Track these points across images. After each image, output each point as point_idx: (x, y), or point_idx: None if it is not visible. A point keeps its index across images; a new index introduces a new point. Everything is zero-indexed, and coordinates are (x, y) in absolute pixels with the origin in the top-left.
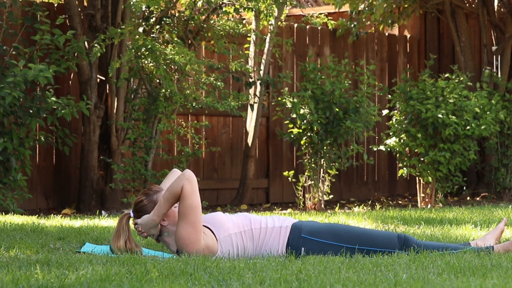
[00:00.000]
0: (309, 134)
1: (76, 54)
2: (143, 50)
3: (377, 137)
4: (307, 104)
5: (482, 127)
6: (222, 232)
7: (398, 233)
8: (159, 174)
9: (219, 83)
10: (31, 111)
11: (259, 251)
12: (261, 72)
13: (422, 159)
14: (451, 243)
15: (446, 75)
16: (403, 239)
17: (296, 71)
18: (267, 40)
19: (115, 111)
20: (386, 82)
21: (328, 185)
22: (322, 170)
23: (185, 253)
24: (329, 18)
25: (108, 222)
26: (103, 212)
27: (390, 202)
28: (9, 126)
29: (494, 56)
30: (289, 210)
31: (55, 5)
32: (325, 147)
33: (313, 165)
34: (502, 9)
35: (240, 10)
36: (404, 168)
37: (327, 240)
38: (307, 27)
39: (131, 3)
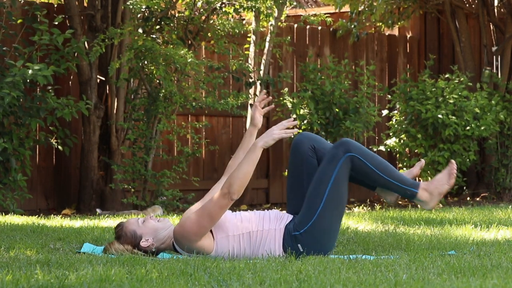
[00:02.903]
0: None
1: (76, 55)
2: (143, 50)
3: (377, 138)
4: (307, 105)
5: (482, 127)
6: (220, 233)
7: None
8: (159, 174)
9: (218, 80)
10: (31, 111)
11: (256, 253)
12: (261, 72)
13: (422, 159)
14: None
15: (446, 75)
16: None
17: (296, 72)
18: (267, 40)
19: (115, 112)
20: (386, 82)
21: None
22: None
23: (182, 250)
24: (327, 16)
25: (108, 222)
26: (98, 210)
27: None
28: (9, 127)
29: (494, 57)
30: None
31: (55, 5)
32: None
33: None
34: (502, 9)
35: (240, 11)
36: (404, 169)
37: (309, 224)
38: (307, 27)
39: (131, 3)
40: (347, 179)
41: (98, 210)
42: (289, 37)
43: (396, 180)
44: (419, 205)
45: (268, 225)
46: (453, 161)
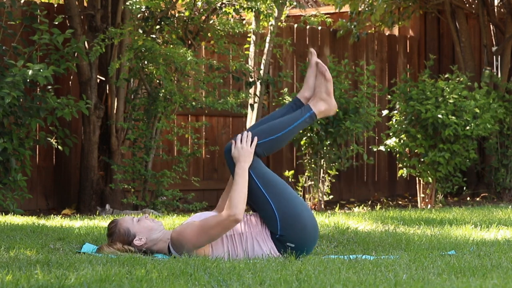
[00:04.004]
0: (309, 134)
1: (76, 55)
2: (143, 50)
3: (377, 138)
4: None
5: (480, 126)
6: None
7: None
8: (159, 174)
9: (218, 80)
10: (31, 111)
11: (252, 254)
12: (261, 72)
13: (422, 159)
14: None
15: (446, 75)
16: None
17: (296, 72)
18: (267, 40)
19: (115, 112)
20: (386, 82)
21: (328, 186)
22: (322, 170)
23: (178, 255)
24: (327, 17)
25: (107, 222)
26: (107, 206)
27: (390, 203)
28: (9, 127)
29: (494, 57)
30: None
31: (55, 5)
32: (325, 148)
33: (313, 165)
34: (502, 9)
35: (240, 11)
36: (404, 169)
37: (278, 223)
38: (307, 27)
39: (131, 3)
40: (261, 162)
41: (107, 206)
42: (289, 40)
43: (293, 121)
44: (327, 116)
45: (256, 228)
46: (311, 49)
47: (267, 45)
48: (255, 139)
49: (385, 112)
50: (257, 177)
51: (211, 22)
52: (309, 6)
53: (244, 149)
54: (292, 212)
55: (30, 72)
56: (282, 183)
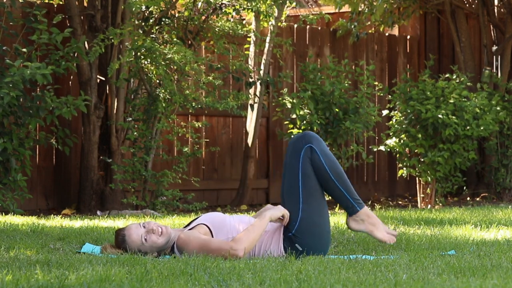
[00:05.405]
0: None
1: (76, 54)
2: (142, 50)
3: (377, 138)
4: (306, 105)
5: (482, 127)
6: (220, 235)
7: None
8: (159, 174)
9: (218, 81)
10: (30, 111)
11: (258, 254)
12: (261, 72)
13: (421, 159)
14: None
15: (446, 75)
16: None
17: (296, 72)
18: (267, 40)
19: (115, 112)
20: (386, 82)
21: None
22: None
23: (181, 252)
24: (325, 13)
25: (108, 222)
26: (98, 212)
27: (390, 203)
28: (9, 127)
29: (494, 57)
30: None
31: (55, 5)
32: None
33: None
34: (502, 9)
35: (240, 11)
36: (404, 169)
37: (297, 222)
38: (307, 27)
39: (131, 3)
40: (310, 166)
41: (98, 212)
42: (290, 40)
43: (345, 189)
44: (346, 221)
45: (268, 226)
46: (394, 238)
47: (267, 45)
48: (287, 220)
49: (385, 112)
50: (302, 174)
51: (210, 22)
52: (309, 6)
53: (280, 210)
54: (315, 220)
55: (29, 71)
56: (320, 192)
